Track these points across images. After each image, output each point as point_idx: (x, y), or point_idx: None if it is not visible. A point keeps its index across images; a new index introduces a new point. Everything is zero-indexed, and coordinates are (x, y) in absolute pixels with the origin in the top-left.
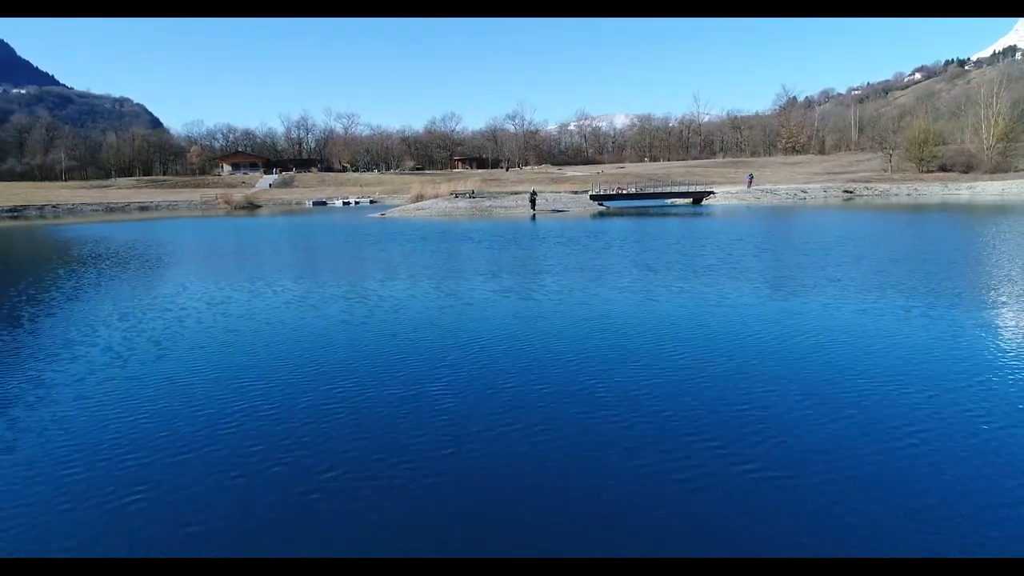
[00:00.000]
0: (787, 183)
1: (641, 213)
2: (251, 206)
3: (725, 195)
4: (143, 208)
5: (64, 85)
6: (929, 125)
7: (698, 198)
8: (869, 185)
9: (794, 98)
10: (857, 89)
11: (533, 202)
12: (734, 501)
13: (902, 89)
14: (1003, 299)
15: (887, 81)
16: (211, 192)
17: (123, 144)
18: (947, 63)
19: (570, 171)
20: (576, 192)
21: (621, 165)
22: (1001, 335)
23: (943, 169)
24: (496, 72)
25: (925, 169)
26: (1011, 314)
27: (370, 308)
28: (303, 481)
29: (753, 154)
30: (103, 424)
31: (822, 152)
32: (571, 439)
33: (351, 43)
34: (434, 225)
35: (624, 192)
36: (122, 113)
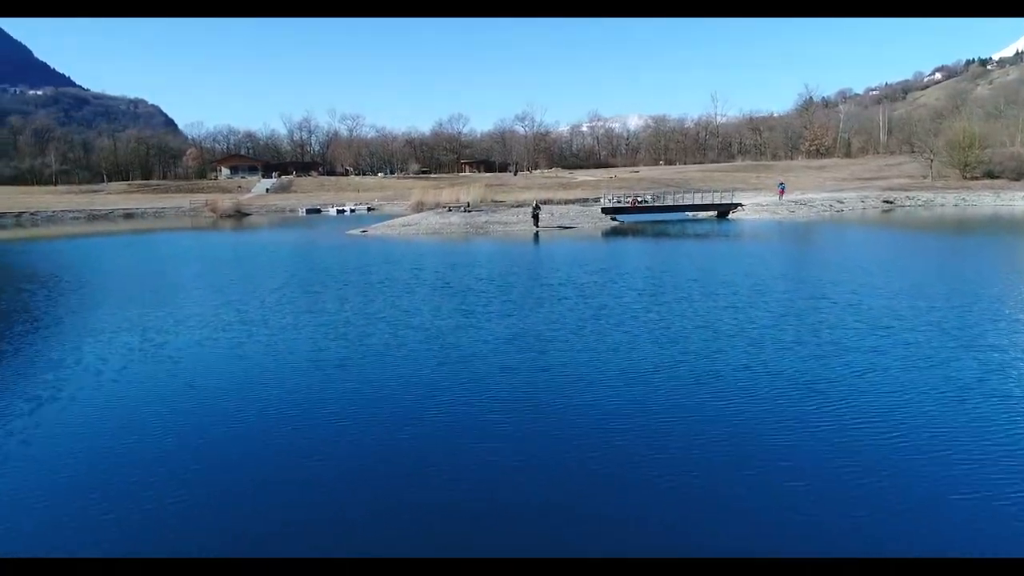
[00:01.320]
0: (816, 190)
1: (660, 232)
2: (239, 214)
3: (755, 208)
4: (128, 215)
5: (80, 87)
6: (972, 127)
7: (724, 211)
8: (910, 194)
9: (810, 98)
10: (875, 89)
11: (536, 217)
12: (735, 503)
13: (922, 89)
14: None
15: (906, 81)
16: (201, 198)
17: (120, 145)
18: (968, 62)
19: (581, 175)
20: (586, 201)
21: (635, 169)
22: None
23: (990, 176)
24: (505, 72)
25: (970, 176)
26: None
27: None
28: (303, 484)
29: (774, 157)
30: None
31: (848, 155)
32: (570, 450)
33: (360, 43)
34: (416, 250)
35: (640, 204)
36: (136, 114)
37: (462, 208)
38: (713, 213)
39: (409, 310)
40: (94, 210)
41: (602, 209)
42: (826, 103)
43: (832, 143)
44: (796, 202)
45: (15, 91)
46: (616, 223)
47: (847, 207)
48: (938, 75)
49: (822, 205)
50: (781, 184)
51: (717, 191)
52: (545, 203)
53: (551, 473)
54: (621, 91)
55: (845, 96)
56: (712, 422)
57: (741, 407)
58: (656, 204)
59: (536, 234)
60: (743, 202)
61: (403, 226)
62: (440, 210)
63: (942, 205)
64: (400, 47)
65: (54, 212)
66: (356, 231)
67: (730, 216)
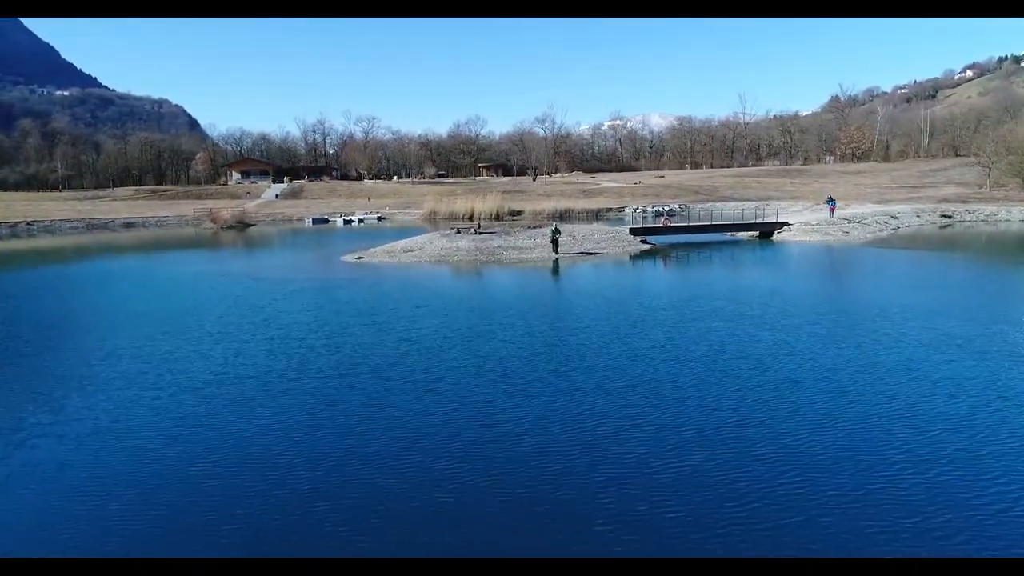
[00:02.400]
0: (860, 201)
1: (699, 262)
2: (241, 225)
3: (803, 228)
4: (129, 225)
5: (106, 87)
6: None
7: (767, 232)
8: (969, 207)
9: (836, 97)
10: (904, 87)
11: (556, 243)
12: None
13: (953, 87)
14: None
15: (936, 79)
16: (209, 205)
17: (130, 149)
18: (1001, 59)
19: (604, 180)
20: (610, 211)
21: (660, 173)
22: None
23: None
24: (524, 72)
25: None
26: None
27: None
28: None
29: (806, 161)
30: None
31: (887, 159)
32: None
33: (379, 44)
34: (411, 295)
35: (672, 224)
36: (161, 115)
37: (472, 229)
38: (754, 233)
39: (364, 449)
40: (94, 220)
41: (630, 230)
42: (853, 101)
43: (869, 146)
44: (848, 220)
45: (43, 92)
46: (647, 246)
47: (902, 223)
48: (969, 72)
49: (876, 223)
50: (832, 201)
51: (750, 200)
52: (566, 213)
53: None
54: (642, 90)
55: (873, 94)
56: None
57: None
58: (691, 224)
59: (556, 262)
60: (789, 220)
61: (404, 252)
62: (448, 231)
63: (1007, 220)
64: (418, 48)
65: (51, 222)
66: (351, 257)
67: (775, 237)
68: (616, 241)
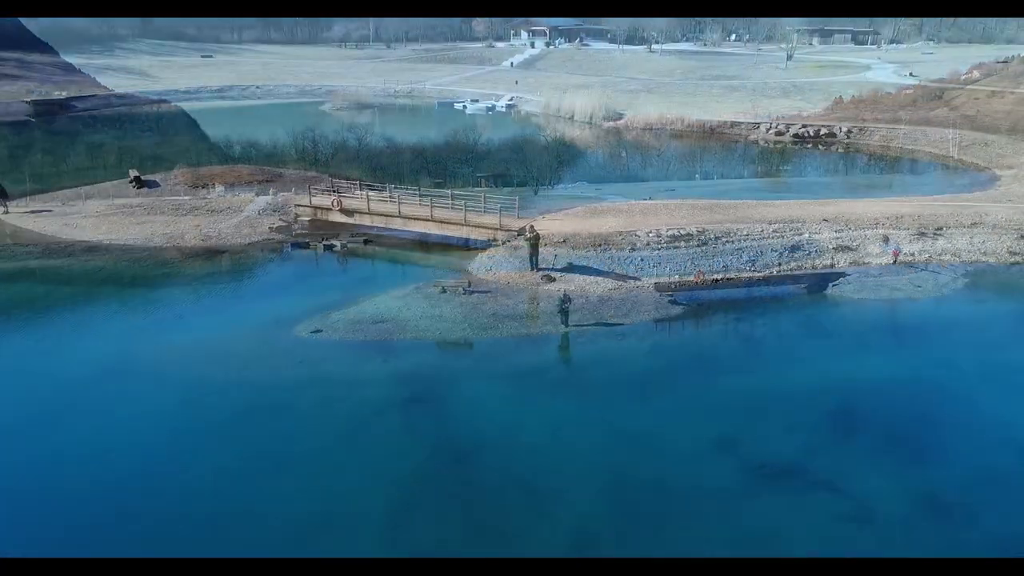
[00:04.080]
0: (897, 228)
1: (745, 335)
2: (210, 253)
3: (863, 282)
4: (90, 249)
5: (103, 86)
6: None
7: (819, 284)
8: None
9: (839, 98)
10: (908, 88)
11: (565, 312)
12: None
13: (958, 88)
14: None
15: (941, 79)
16: (181, 224)
17: (106, 154)
18: (1005, 60)
19: (610, 192)
20: (621, 235)
21: (671, 187)
22: None
23: None
24: None
25: None
26: None
27: None
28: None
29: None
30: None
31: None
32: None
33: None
34: (368, 415)
35: (706, 278)
36: (159, 114)
37: (460, 289)
38: (801, 286)
39: None
40: (53, 242)
41: (655, 286)
42: (856, 102)
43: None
44: (917, 268)
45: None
46: (677, 308)
47: (964, 258)
48: (976, 73)
49: (947, 267)
50: (895, 245)
51: (772, 221)
52: (572, 238)
53: None
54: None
55: (877, 95)
56: None
57: None
58: (727, 277)
59: (566, 337)
60: (847, 272)
61: (374, 323)
62: (434, 288)
63: None
64: None
65: (2, 246)
66: (306, 330)
67: (828, 292)
68: (639, 304)
